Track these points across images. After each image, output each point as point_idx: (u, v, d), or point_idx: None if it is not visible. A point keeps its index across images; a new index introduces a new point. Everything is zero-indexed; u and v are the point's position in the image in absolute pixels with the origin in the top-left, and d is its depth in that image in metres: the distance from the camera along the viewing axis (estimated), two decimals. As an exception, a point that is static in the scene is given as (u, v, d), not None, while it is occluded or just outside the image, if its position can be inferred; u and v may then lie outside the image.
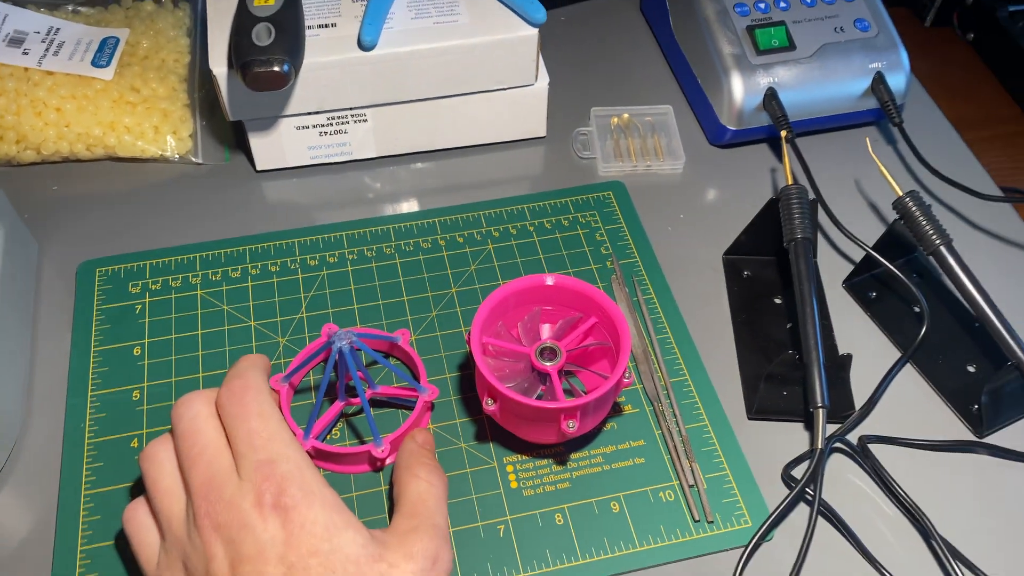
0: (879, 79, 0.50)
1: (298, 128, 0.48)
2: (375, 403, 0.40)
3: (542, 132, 0.52)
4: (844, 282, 0.46)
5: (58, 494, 0.37)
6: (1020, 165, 0.76)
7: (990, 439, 0.41)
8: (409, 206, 0.49)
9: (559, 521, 0.37)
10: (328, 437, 0.39)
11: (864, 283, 0.46)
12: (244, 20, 0.43)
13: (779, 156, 0.52)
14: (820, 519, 0.38)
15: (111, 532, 0.36)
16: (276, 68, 0.41)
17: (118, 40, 0.52)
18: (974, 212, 0.49)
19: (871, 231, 0.47)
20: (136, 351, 0.42)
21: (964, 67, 0.83)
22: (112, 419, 0.40)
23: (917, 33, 0.86)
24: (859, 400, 0.41)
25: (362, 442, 0.39)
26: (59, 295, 0.44)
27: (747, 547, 0.36)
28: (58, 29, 0.51)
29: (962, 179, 0.49)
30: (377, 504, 0.38)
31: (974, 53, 0.83)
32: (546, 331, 0.40)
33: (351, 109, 0.48)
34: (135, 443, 0.39)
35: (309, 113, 0.47)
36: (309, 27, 0.46)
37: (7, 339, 0.39)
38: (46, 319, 0.43)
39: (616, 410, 0.41)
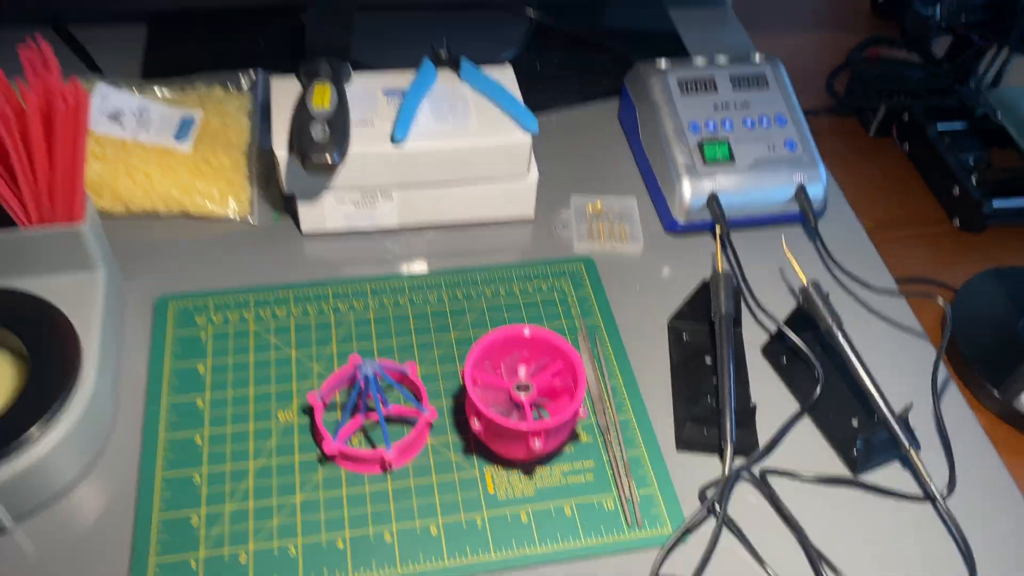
0: (801, 190, 0.63)
1: (337, 201, 0.60)
2: (387, 419, 0.51)
3: (531, 214, 0.64)
4: (762, 348, 0.58)
5: (138, 477, 0.48)
6: (941, 260, 0.88)
7: (864, 478, 0.52)
8: (421, 267, 0.61)
9: (524, 519, 0.48)
10: (350, 442, 0.50)
11: (777, 350, 0.58)
12: (304, 117, 0.56)
13: (720, 245, 0.64)
14: (724, 530, 0.49)
15: (179, 506, 0.47)
16: (329, 158, 0.54)
17: (194, 119, 0.64)
18: (870, 298, 0.61)
19: (786, 309, 0.59)
20: (200, 368, 0.53)
21: (901, 173, 0.95)
22: (180, 421, 0.51)
23: (862, 141, 0.99)
24: (765, 441, 0.53)
25: (375, 448, 0.50)
26: (140, 323, 0.56)
27: (667, 547, 0.48)
28: (148, 108, 0.64)
29: (864, 271, 0.62)
30: (383, 498, 0.49)
31: (909, 162, 0.96)
32: (523, 371, 0.52)
33: (380, 188, 0.60)
34: (198, 439, 0.50)
35: (347, 190, 0.60)
36: (352, 124, 0.58)
37: (106, 356, 0.50)
38: (129, 341, 0.55)
39: (574, 436, 0.52)
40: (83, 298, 0.51)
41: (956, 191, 0.89)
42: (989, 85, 0.91)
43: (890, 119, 0.97)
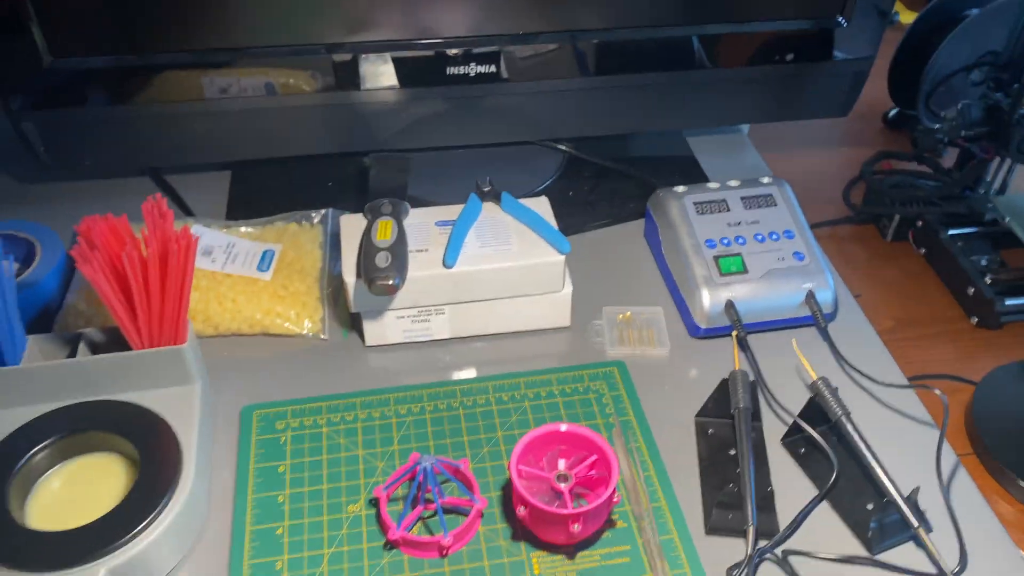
0: (811, 295, 0.70)
1: (397, 317, 0.69)
2: (443, 509, 0.58)
3: (567, 323, 0.72)
4: (782, 439, 0.64)
5: (229, 563, 0.56)
6: (962, 355, 0.92)
7: (879, 557, 0.57)
8: (470, 373, 0.69)
9: (566, 597, 0.54)
10: (411, 530, 0.57)
11: (796, 441, 0.63)
12: (370, 248, 0.65)
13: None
14: (751, 606, 0.54)
15: (264, 589, 0.54)
16: (391, 283, 0.63)
17: (274, 252, 0.74)
18: (879, 391, 0.67)
19: (801, 404, 0.65)
20: (280, 469, 0.61)
21: (919, 275, 1.01)
22: (264, 514, 0.58)
23: (880, 246, 1.06)
24: (786, 524, 0.58)
25: (433, 535, 0.57)
26: (228, 429, 0.64)
27: (697, 621, 0.52)
28: (234, 244, 0.74)
29: (874, 368, 0.67)
30: (442, 580, 0.55)
31: (926, 264, 1.02)
32: (562, 464, 0.59)
33: (434, 305, 0.69)
34: (279, 531, 0.57)
35: (406, 307, 0.69)
36: (410, 252, 0.68)
37: (202, 459, 0.58)
38: (219, 445, 0.63)
39: (610, 523, 0.58)
40: (183, 408, 0.59)
41: (971, 291, 0.95)
42: (996, 192, 0.98)
43: (905, 225, 1.04)
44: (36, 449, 0.56)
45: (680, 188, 0.75)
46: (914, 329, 0.95)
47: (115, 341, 0.61)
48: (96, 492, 0.56)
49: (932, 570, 0.56)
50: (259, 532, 0.57)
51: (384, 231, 0.67)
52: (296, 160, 0.88)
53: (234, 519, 0.58)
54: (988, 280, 0.93)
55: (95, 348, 0.61)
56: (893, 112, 1.24)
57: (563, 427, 0.58)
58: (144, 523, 0.52)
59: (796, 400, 0.65)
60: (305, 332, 0.71)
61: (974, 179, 0.99)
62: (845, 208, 1.08)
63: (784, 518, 0.58)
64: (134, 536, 0.52)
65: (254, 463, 0.61)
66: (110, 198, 0.82)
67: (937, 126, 1.03)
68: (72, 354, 0.60)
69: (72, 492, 0.57)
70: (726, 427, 0.64)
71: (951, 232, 0.99)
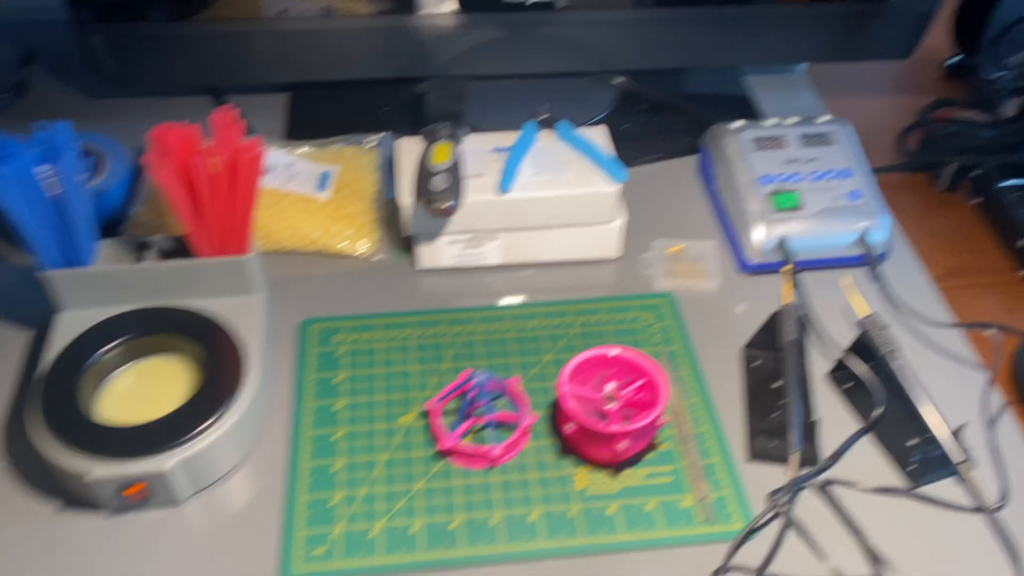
0: (864, 235, 0.70)
1: (451, 241, 0.70)
2: (493, 424, 0.60)
3: (617, 255, 0.73)
4: (828, 374, 0.64)
5: (287, 465, 0.58)
6: (1010, 306, 0.92)
7: (920, 490, 0.58)
8: (521, 299, 0.70)
9: (609, 512, 0.56)
10: (461, 442, 0.59)
11: (842, 376, 0.64)
12: (426, 171, 0.66)
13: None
14: (789, 530, 0.55)
15: (320, 490, 0.56)
16: (448, 205, 0.64)
17: (332, 173, 0.76)
18: (930, 333, 0.67)
19: (849, 340, 0.65)
20: (336, 380, 0.63)
21: (971, 226, 1.00)
22: (321, 421, 0.61)
23: (934, 195, 1.04)
24: (829, 455, 0.59)
25: (481, 447, 0.58)
26: (287, 340, 0.66)
27: (736, 541, 0.54)
28: (294, 164, 0.76)
29: (923, 308, 0.67)
30: (488, 489, 0.57)
31: (979, 215, 1.01)
32: (610, 387, 0.60)
33: (487, 231, 0.70)
34: (335, 437, 0.60)
35: (460, 232, 0.70)
36: (465, 175, 0.69)
37: (263, 365, 0.61)
38: (279, 355, 0.65)
39: (654, 445, 0.59)
40: (246, 317, 0.62)
41: (1021, 243, 0.93)
42: (1057, 143, 0.95)
43: (960, 175, 1.02)
44: (107, 347, 0.59)
45: (738, 123, 0.75)
46: (963, 278, 0.94)
47: (181, 249, 0.63)
48: (162, 391, 0.59)
49: (972, 505, 0.57)
50: (316, 437, 0.59)
51: (441, 154, 0.68)
52: (353, 85, 0.88)
53: (292, 424, 0.60)
54: (1043, 233, 0.92)
55: (162, 255, 0.63)
56: (953, 60, 1.21)
57: (612, 352, 0.59)
58: (211, 420, 0.55)
59: (843, 338, 0.66)
60: (360, 253, 0.73)
61: (1036, 130, 0.96)
62: (899, 155, 1.07)
63: (827, 449, 0.59)
64: (201, 432, 0.54)
65: (312, 374, 0.63)
66: (172, 116, 0.83)
67: (999, 74, 1.01)
68: (140, 260, 0.63)
69: (140, 390, 0.59)
70: (773, 360, 0.64)
71: (1006, 183, 0.97)
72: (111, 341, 0.59)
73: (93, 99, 0.89)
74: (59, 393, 0.56)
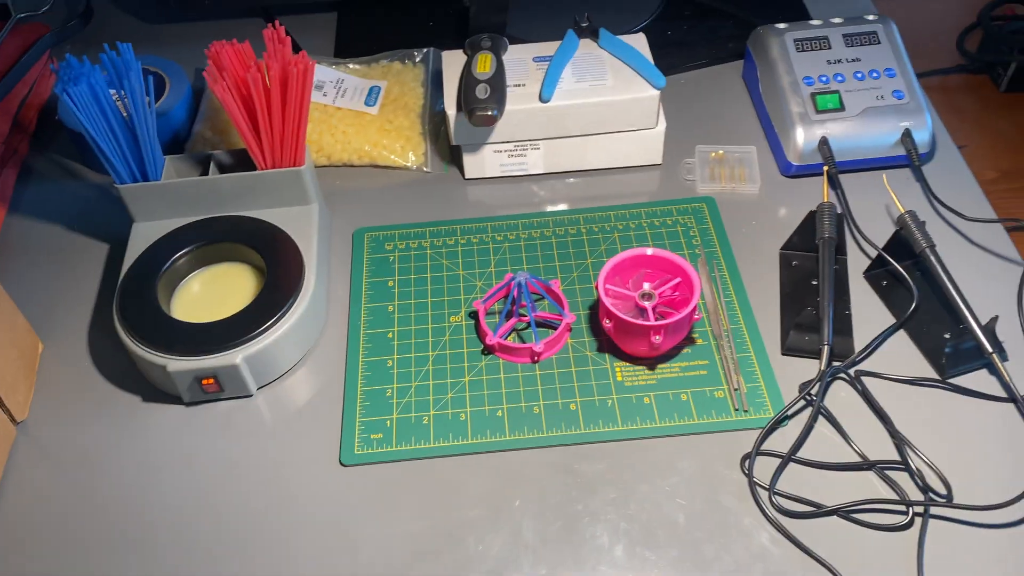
0: (907, 134, 0.69)
1: (495, 151, 0.73)
2: (536, 322, 0.63)
3: (659, 160, 0.74)
4: (864, 272, 0.66)
5: (345, 360, 0.63)
6: (1068, 210, 0.90)
7: (951, 381, 0.59)
8: (563, 206, 0.72)
9: (647, 401, 0.59)
10: (506, 339, 0.63)
11: (878, 275, 0.65)
12: (470, 80, 0.68)
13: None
14: (820, 418, 0.58)
15: (376, 383, 0.61)
16: (491, 113, 0.66)
17: (380, 88, 0.78)
18: (969, 230, 0.67)
19: (887, 239, 0.66)
20: (389, 283, 0.67)
21: (1031, 127, 0.98)
22: (376, 321, 0.65)
23: (993, 96, 1.02)
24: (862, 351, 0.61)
25: (526, 343, 0.62)
26: (342, 248, 0.70)
27: (767, 427, 0.57)
28: (343, 80, 0.79)
29: (963, 207, 0.67)
30: (532, 381, 0.60)
31: (1041, 115, 0.98)
32: (647, 286, 0.62)
33: (530, 140, 0.72)
34: (389, 335, 0.64)
35: (503, 142, 0.72)
36: (508, 87, 0.70)
37: (320, 270, 0.65)
38: (334, 261, 0.69)
39: (690, 340, 0.62)
40: (303, 225, 0.66)
41: (1085, 142, 0.91)
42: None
43: (1022, 75, 0.99)
44: (178, 255, 0.63)
45: (781, 25, 0.75)
46: (1018, 181, 0.93)
47: (240, 163, 0.67)
48: (228, 295, 0.64)
49: (1003, 395, 0.58)
50: (372, 335, 0.64)
51: (483, 64, 0.69)
52: (397, 1, 0.90)
53: (349, 323, 0.65)
54: (1106, 131, 0.89)
55: (223, 168, 0.67)
56: (1022, -47, 1.15)
57: (649, 251, 0.61)
58: (274, 319, 0.59)
59: (881, 237, 0.66)
60: (409, 165, 0.75)
61: (1104, 24, 0.93)
62: (958, 56, 1.04)
63: (860, 344, 0.61)
64: (266, 330, 0.59)
65: (366, 278, 0.68)
66: (225, 37, 0.87)
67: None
68: (204, 174, 0.67)
69: (208, 293, 0.64)
70: (810, 260, 0.66)
71: (1071, 82, 0.94)
72: (181, 249, 0.64)
73: (152, 24, 0.92)
74: (140, 296, 0.61)
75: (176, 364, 0.57)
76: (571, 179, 0.75)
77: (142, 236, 0.65)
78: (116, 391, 0.62)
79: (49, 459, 0.59)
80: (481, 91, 0.67)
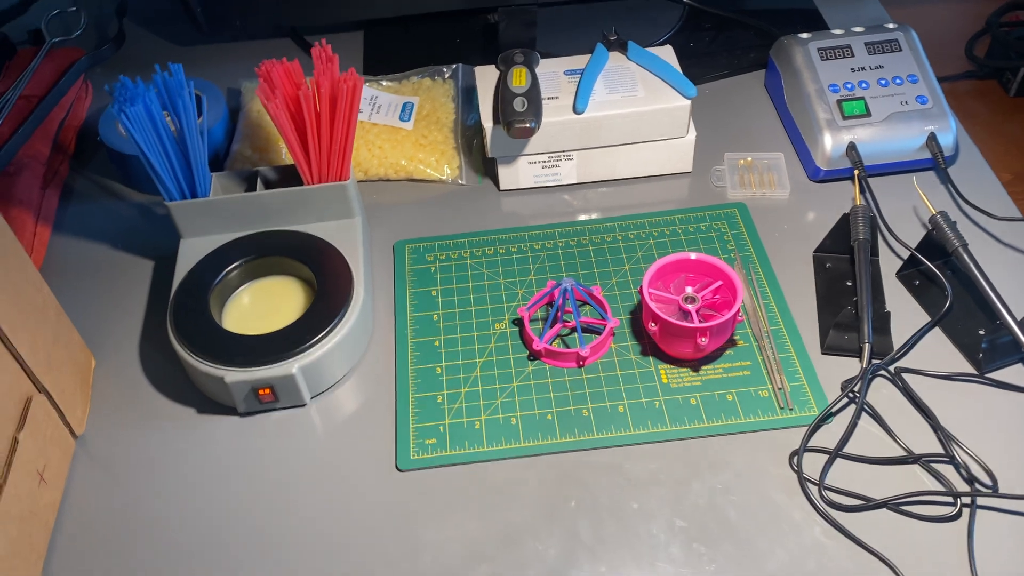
0: (932, 138, 0.71)
1: (529, 163, 0.74)
2: (580, 327, 0.65)
3: (689, 168, 0.76)
4: (897, 273, 0.67)
5: (395, 369, 0.64)
6: (1082, 208, 0.92)
7: (989, 375, 0.61)
8: (597, 215, 0.74)
9: (693, 403, 0.60)
10: (552, 344, 0.64)
11: (911, 275, 0.67)
12: (506, 94, 0.70)
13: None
14: (863, 415, 0.59)
15: (427, 389, 0.62)
16: (529, 125, 0.68)
17: (413, 104, 0.80)
18: (996, 229, 0.69)
19: (918, 240, 0.68)
20: (433, 293, 0.69)
21: (1042, 129, 1.00)
22: (422, 329, 0.66)
23: (1003, 101, 1.04)
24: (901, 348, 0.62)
25: (571, 348, 0.63)
26: (384, 260, 0.72)
27: (813, 424, 0.58)
28: (377, 96, 0.80)
29: (990, 207, 0.69)
30: (580, 385, 0.62)
31: (1051, 118, 1.00)
32: (689, 289, 0.64)
33: (564, 151, 0.74)
34: (436, 343, 0.65)
35: (537, 153, 0.74)
36: (542, 99, 0.72)
37: (368, 281, 0.66)
38: (378, 273, 0.71)
39: (732, 342, 0.64)
40: (349, 239, 0.67)
41: (1097, 143, 0.93)
42: None
43: (1031, 79, 1.01)
44: (229, 268, 0.65)
45: (804, 35, 0.77)
46: (1033, 182, 0.95)
47: (284, 178, 0.69)
48: (278, 307, 0.65)
49: (1040, 388, 0.60)
50: (419, 344, 0.65)
51: (519, 78, 0.71)
52: (424, 18, 0.92)
53: (396, 332, 0.66)
54: (1117, 132, 0.91)
55: (268, 184, 0.69)
56: (1025, -39, 1.18)
57: (693, 255, 0.63)
58: (328, 329, 0.61)
59: (913, 238, 0.68)
60: (445, 178, 0.77)
61: (1110, 29, 0.95)
62: (968, 63, 1.06)
63: (897, 342, 0.63)
64: (320, 340, 0.60)
65: (410, 288, 0.69)
66: (258, 57, 0.88)
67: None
68: (250, 190, 0.68)
69: (259, 306, 0.66)
70: (844, 261, 0.68)
71: (1080, 85, 0.97)
72: (232, 263, 0.65)
73: (184, 46, 0.94)
74: (193, 310, 0.62)
75: (234, 375, 0.59)
76: (603, 188, 0.76)
77: (191, 252, 0.67)
78: (170, 404, 0.63)
79: (109, 472, 0.60)
80: (519, 104, 0.69)
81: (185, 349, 0.60)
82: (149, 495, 0.58)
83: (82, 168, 0.82)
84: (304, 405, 0.62)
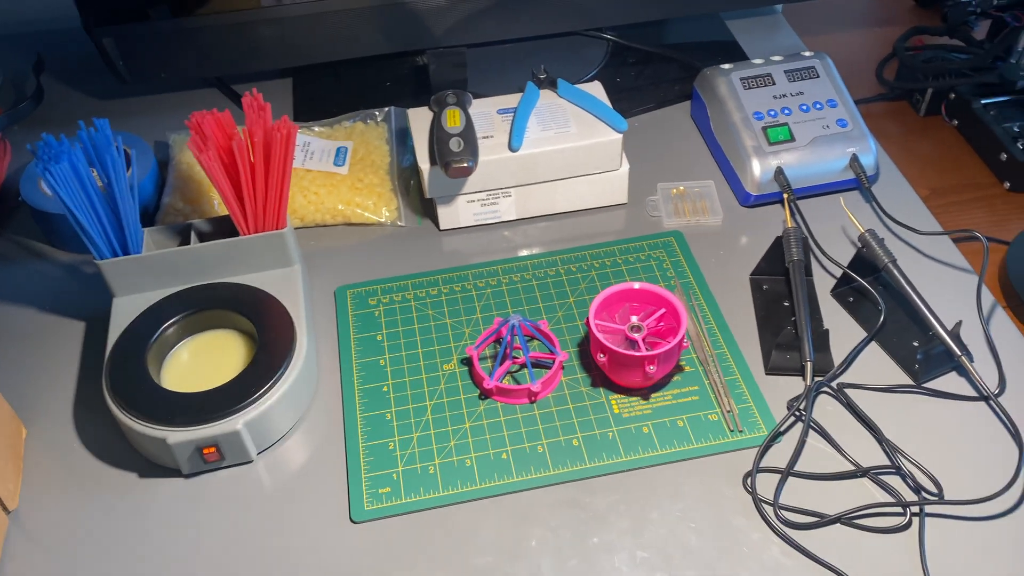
0: (854, 159, 0.74)
1: (468, 201, 0.75)
2: (530, 362, 0.65)
3: (625, 200, 0.77)
4: (832, 291, 0.69)
5: (343, 418, 0.63)
6: (996, 219, 0.97)
7: (926, 385, 0.63)
8: (539, 249, 0.74)
9: (645, 431, 0.61)
10: (502, 382, 0.64)
11: (845, 292, 0.69)
12: (442, 135, 0.70)
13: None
14: (811, 431, 0.60)
15: (378, 437, 0.61)
16: (467, 164, 0.68)
17: (347, 148, 0.80)
18: (921, 243, 0.72)
19: (848, 258, 0.70)
20: (378, 337, 0.68)
21: (952, 146, 1.05)
22: (369, 376, 0.65)
23: (914, 121, 1.09)
24: (840, 362, 0.64)
25: (522, 384, 0.63)
26: (326, 306, 0.71)
27: (763, 445, 0.59)
28: (310, 143, 0.80)
29: (913, 222, 0.72)
30: (533, 421, 0.62)
31: (959, 135, 1.05)
32: (634, 318, 0.65)
33: (502, 188, 0.74)
34: (385, 389, 0.64)
35: (476, 191, 0.74)
36: (478, 138, 0.73)
37: (310, 330, 0.65)
38: (319, 320, 0.70)
39: (679, 368, 0.64)
40: (288, 288, 0.66)
41: (1004, 157, 0.99)
42: (1028, 59, 1.00)
43: (938, 99, 1.07)
44: (166, 324, 0.63)
45: (727, 65, 0.79)
46: (949, 196, 0.99)
47: (219, 230, 0.67)
48: (219, 362, 0.63)
49: (974, 394, 0.62)
50: (367, 390, 0.64)
51: (453, 119, 0.72)
52: (352, 63, 0.92)
53: (342, 380, 0.65)
54: (1021, 145, 0.97)
55: (202, 237, 0.67)
56: (924, -12, 1.25)
57: (636, 285, 0.63)
58: (271, 381, 0.59)
59: (844, 256, 0.71)
60: (383, 220, 0.77)
61: (1006, 48, 1.01)
62: (879, 85, 1.11)
63: (837, 359, 0.64)
64: (263, 393, 0.59)
65: (354, 334, 0.68)
66: (184, 108, 0.87)
67: (968, -1, 1.05)
68: (184, 243, 0.67)
69: (199, 362, 0.64)
70: (780, 283, 0.69)
71: (983, 102, 1.02)
72: (168, 319, 0.63)
73: (106, 100, 0.92)
74: (130, 370, 0.60)
75: (176, 436, 0.57)
76: (543, 223, 0.77)
77: (124, 310, 0.64)
78: (109, 470, 0.61)
79: (46, 547, 0.57)
80: (455, 144, 0.69)
81: (123, 411, 0.58)
82: (90, 568, 0.56)
83: (3, 229, 0.79)
84: (251, 461, 0.60)
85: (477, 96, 0.77)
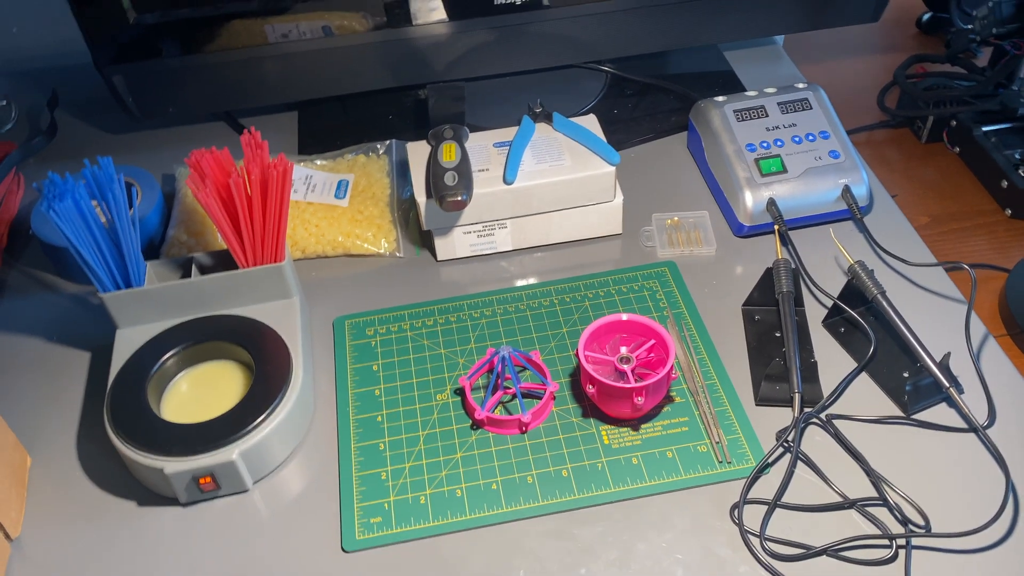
0: (846, 190, 0.75)
1: (464, 232, 0.76)
2: (521, 392, 0.65)
3: (619, 231, 0.78)
4: (823, 321, 0.70)
5: (338, 447, 0.64)
6: (997, 245, 0.97)
7: (915, 416, 0.63)
8: (534, 280, 0.76)
9: (635, 462, 0.61)
10: (494, 412, 0.65)
11: (836, 323, 0.69)
12: (437, 169, 0.72)
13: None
14: (798, 462, 0.61)
15: (371, 467, 0.62)
16: (461, 198, 0.69)
17: (348, 181, 0.81)
18: (912, 273, 0.72)
19: (840, 288, 0.70)
20: (374, 367, 0.69)
21: (953, 173, 1.05)
22: (364, 405, 0.66)
23: (916, 148, 1.10)
24: (829, 393, 0.64)
25: (512, 415, 0.64)
26: (324, 337, 0.72)
27: (751, 476, 0.60)
28: (312, 176, 0.82)
29: (906, 253, 0.73)
30: (523, 452, 0.62)
31: (961, 162, 1.06)
32: (624, 349, 0.65)
33: (497, 220, 0.76)
34: (379, 418, 0.65)
35: (472, 223, 0.75)
36: (473, 172, 0.74)
37: (307, 361, 0.66)
38: (318, 351, 0.71)
39: (669, 398, 0.65)
40: (286, 319, 0.67)
41: (1005, 184, 0.99)
42: (1028, 86, 1.00)
43: (939, 126, 1.07)
44: (166, 357, 0.65)
45: (720, 98, 0.80)
46: (949, 224, 1.00)
47: (220, 263, 0.69)
48: (217, 392, 0.65)
49: (963, 426, 0.62)
50: (362, 420, 0.65)
51: (449, 153, 0.73)
52: (356, 97, 0.94)
53: (338, 410, 0.66)
54: (1022, 173, 0.97)
55: (203, 270, 0.69)
56: (926, 16, 1.26)
57: (624, 316, 0.64)
58: (267, 412, 0.61)
59: (835, 287, 0.71)
60: (382, 251, 0.78)
61: (1007, 76, 1.01)
62: (880, 113, 1.12)
63: (826, 390, 0.65)
64: (259, 424, 0.60)
65: (350, 364, 0.69)
66: (192, 142, 0.90)
67: (970, 26, 1.06)
68: (185, 276, 0.68)
69: (197, 393, 0.65)
70: (771, 313, 0.70)
71: (984, 129, 1.02)
72: (168, 351, 0.65)
73: (116, 134, 0.95)
74: (130, 401, 0.62)
75: (173, 466, 0.58)
76: (539, 253, 0.78)
77: (127, 342, 0.66)
78: (110, 498, 0.62)
79: (47, 574, 0.58)
80: (450, 179, 0.71)
81: (123, 441, 0.60)
82: (89, 596, 0.57)
83: (15, 261, 0.81)
84: (247, 491, 0.62)
85: (475, 129, 0.79)
